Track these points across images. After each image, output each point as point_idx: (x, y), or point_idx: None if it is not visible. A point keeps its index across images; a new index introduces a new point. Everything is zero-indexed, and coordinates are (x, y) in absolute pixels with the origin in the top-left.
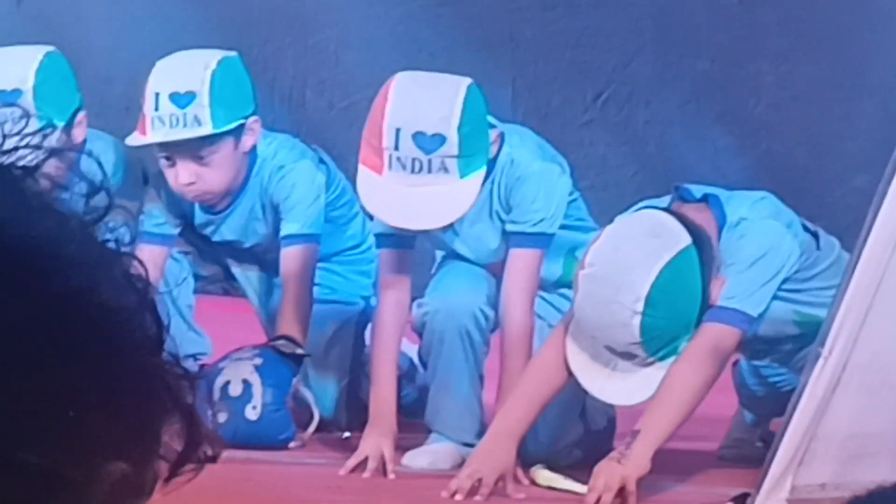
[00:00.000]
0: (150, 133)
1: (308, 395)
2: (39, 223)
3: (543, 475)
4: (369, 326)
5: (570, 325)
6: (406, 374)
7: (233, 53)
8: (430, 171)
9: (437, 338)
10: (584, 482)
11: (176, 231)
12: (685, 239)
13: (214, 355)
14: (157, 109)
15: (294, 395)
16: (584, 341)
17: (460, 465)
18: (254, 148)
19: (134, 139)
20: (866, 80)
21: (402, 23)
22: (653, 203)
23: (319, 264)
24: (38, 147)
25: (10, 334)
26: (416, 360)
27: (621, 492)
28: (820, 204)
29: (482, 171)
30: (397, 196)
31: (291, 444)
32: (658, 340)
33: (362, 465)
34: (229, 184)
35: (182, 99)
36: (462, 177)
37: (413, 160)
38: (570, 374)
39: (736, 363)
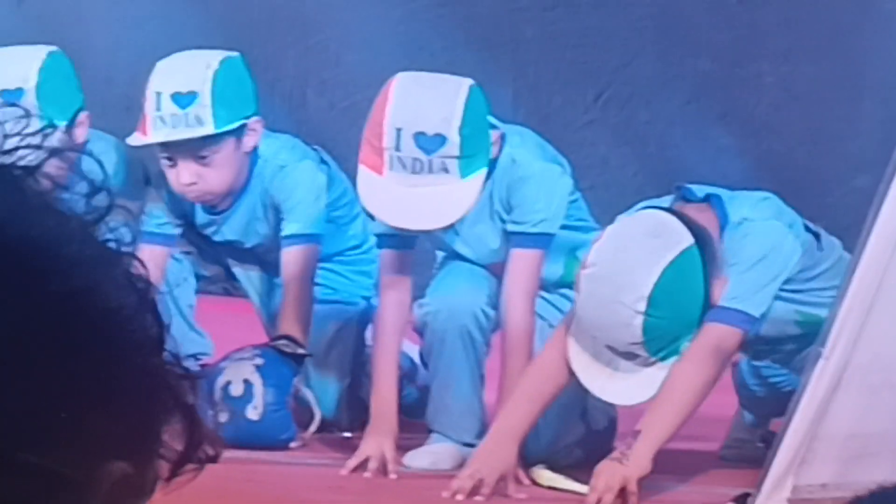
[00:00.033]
0: (152, 133)
1: (309, 395)
2: (40, 223)
3: (544, 475)
4: (370, 327)
5: (572, 325)
6: (407, 375)
7: (235, 54)
8: (430, 171)
9: (439, 338)
10: (585, 482)
11: (177, 231)
12: (687, 239)
13: (215, 355)
14: (158, 109)
15: (295, 395)
16: (586, 341)
17: (461, 465)
18: (255, 148)
19: (135, 139)
20: (867, 80)
21: (403, 23)
22: (655, 203)
23: (321, 264)
24: (38, 147)
25: (11, 334)
26: (417, 360)
27: (622, 492)
28: (821, 204)
29: (483, 172)
30: (398, 196)
31: (292, 445)
32: (660, 340)
33: (363, 465)
34: (231, 184)
35: (184, 99)
36: (463, 177)
37: (414, 160)
38: (572, 374)
39: (735, 364)
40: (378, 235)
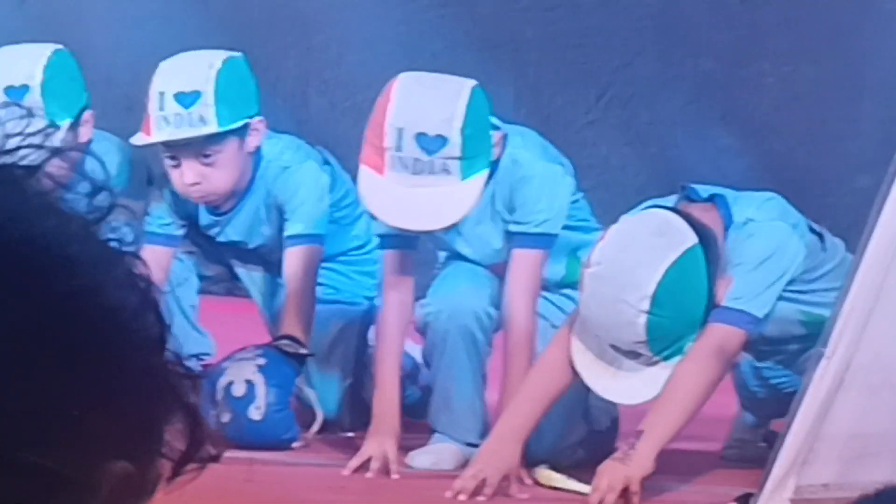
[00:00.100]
0: (155, 133)
1: (311, 395)
2: (42, 223)
3: (546, 475)
4: (373, 327)
5: (576, 324)
6: (409, 375)
7: (237, 54)
8: (431, 172)
9: (441, 338)
10: (588, 482)
11: (181, 232)
12: (691, 238)
13: (218, 355)
14: (161, 109)
15: (297, 395)
16: (590, 340)
17: (463, 465)
18: (258, 149)
19: (139, 139)
20: (868, 80)
21: (405, 23)
22: (659, 202)
23: (323, 264)
24: (40, 147)
25: (13, 333)
26: (419, 360)
27: (625, 492)
28: (821, 204)
29: (484, 173)
30: (398, 196)
31: (295, 445)
32: (663, 340)
33: (365, 465)
34: (234, 184)
35: (187, 98)
36: (464, 178)
37: (415, 161)
38: (575, 374)
39: (736, 365)
40: (380, 236)
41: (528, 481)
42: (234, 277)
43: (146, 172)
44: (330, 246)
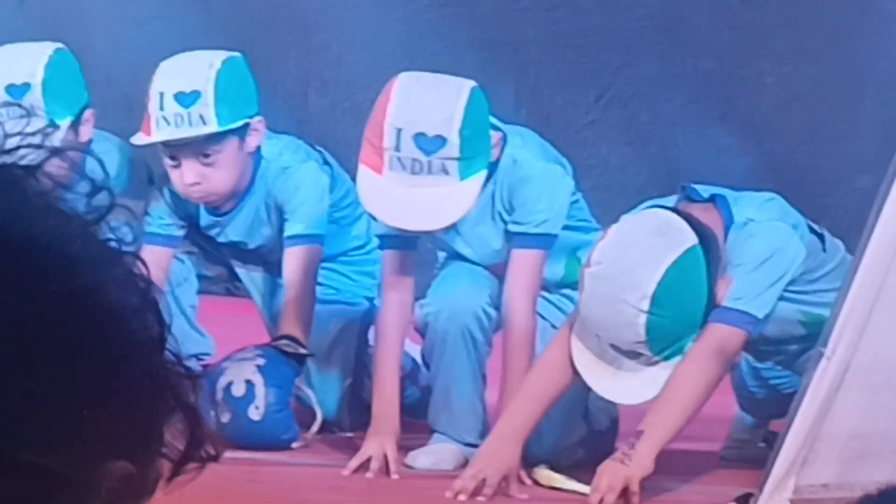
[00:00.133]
0: (155, 133)
1: (311, 395)
2: (41, 223)
3: (546, 475)
4: (373, 327)
5: (576, 324)
6: (409, 375)
7: (237, 54)
8: (430, 172)
9: (440, 338)
10: (588, 482)
11: (181, 232)
12: (692, 238)
13: (217, 356)
14: (161, 109)
15: (297, 395)
16: (590, 340)
17: (463, 465)
18: (258, 150)
19: (138, 139)
20: (868, 80)
21: (405, 23)
22: (660, 202)
23: (324, 265)
24: (39, 147)
25: (12, 333)
26: (419, 360)
27: (624, 492)
28: (822, 204)
29: (483, 174)
30: (396, 196)
31: (294, 445)
32: (663, 340)
33: (365, 465)
34: (234, 184)
35: (187, 98)
36: (462, 179)
37: (413, 161)
38: (576, 374)
39: (734, 365)
40: (380, 236)
41: (528, 481)
42: (234, 278)
43: (147, 172)
44: (330, 246)
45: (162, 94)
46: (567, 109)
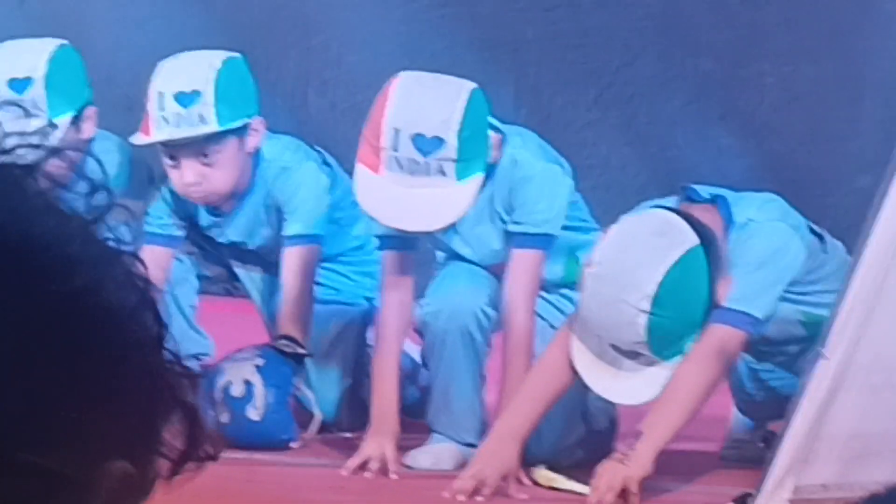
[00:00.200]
0: (155, 132)
1: (310, 395)
2: (41, 222)
3: (545, 475)
4: (372, 327)
5: (576, 324)
6: (409, 375)
7: (237, 54)
8: (427, 173)
9: (439, 338)
10: (587, 483)
11: (181, 233)
12: (692, 238)
13: (216, 356)
14: (161, 109)
15: (295, 395)
16: (590, 340)
17: (462, 465)
18: (258, 150)
19: (138, 139)
20: (868, 80)
21: (405, 23)
22: (660, 203)
23: (323, 265)
24: (38, 146)
25: (11, 333)
26: (418, 360)
27: (623, 492)
28: (822, 204)
29: (480, 176)
30: (393, 196)
31: (293, 445)
32: (664, 340)
33: (364, 465)
34: (234, 184)
35: (187, 98)
36: (459, 181)
37: (410, 161)
38: (575, 374)
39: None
40: (379, 237)
41: (527, 481)
42: (234, 278)
43: (147, 172)
44: (329, 246)
45: (162, 94)
46: (567, 109)
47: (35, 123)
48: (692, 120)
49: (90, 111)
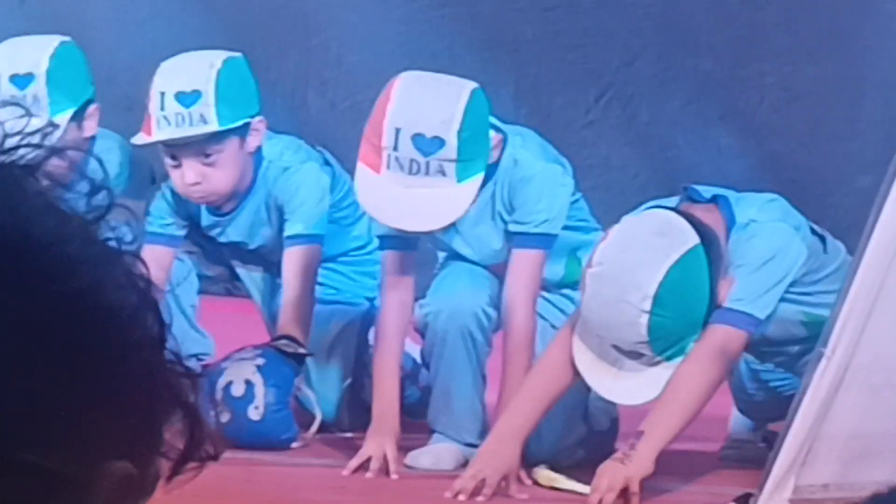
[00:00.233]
0: (156, 132)
1: (310, 395)
2: (41, 222)
3: (546, 475)
4: (373, 327)
5: (577, 324)
6: (409, 375)
7: (237, 54)
8: (427, 173)
9: (440, 338)
10: (587, 482)
11: (182, 232)
12: (693, 238)
13: (217, 356)
14: (162, 109)
15: (296, 395)
16: (591, 340)
17: (463, 465)
18: (259, 150)
19: (139, 139)
20: (868, 80)
21: (404, 23)
22: (661, 203)
23: (324, 265)
24: (39, 146)
25: (12, 333)
26: (419, 360)
27: (624, 492)
28: (822, 204)
29: (480, 177)
30: (393, 196)
31: (294, 445)
32: (665, 340)
33: (365, 465)
34: (235, 184)
35: (187, 98)
36: (459, 181)
37: (411, 161)
38: (576, 374)
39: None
40: (380, 237)
41: (528, 481)
42: (235, 277)
43: (149, 172)
44: (331, 246)
45: (163, 94)
46: (567, 109)
47: (36, 123)
48: (692, 120)
49: (93, 109)
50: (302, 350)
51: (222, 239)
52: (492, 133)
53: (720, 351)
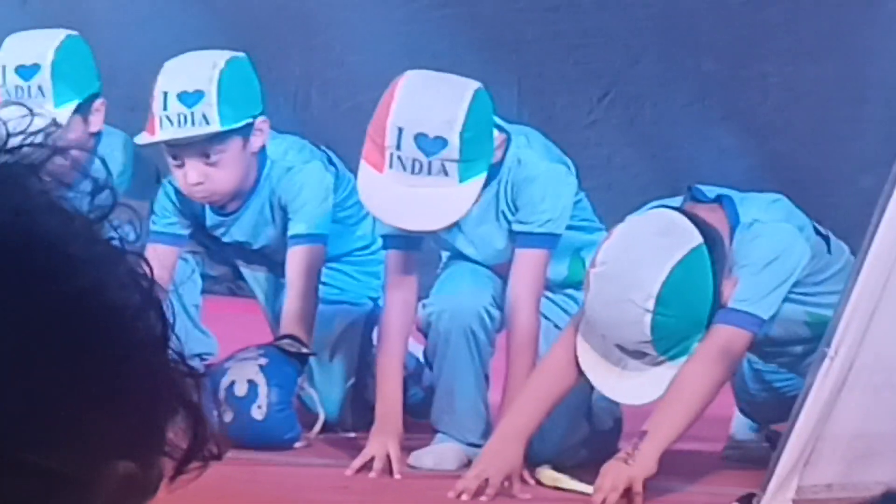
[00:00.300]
0: (158, 132)
1: (314, 395)
2: (44, 221)
3: (549, 475)
4: (376, 327)
5: (581, 324)
6: (412, 375)
7: (241, 54)
8: (429, 172)
9: (443, 338)
10: (590, 482)
11: (186, 232)
12: (696, 238)
13: (220, 355)
14: (165, 108)
15: (299, 395)
16: (595, 340)
17: (466, 465)
18: (263, 150)
19: (143, 138)
20: (871, 80)
21: (407, 23)
22: (665, 203)
23: (328, 265)
24: (42, 145)
25: (14, 333)
26: (422, 360)
27: (627, 492)
28: (825, 204)
29: (482, 177)
30: (396, 195)
31: (297, 445)
32: (669, 339)
33: (368, 465)
34: (238, 184)
35: (190, 98)
36: (461, 181)
37: (413, 161)
38: (580, 374)
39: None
40: (384, 236)
41: (531, 481)
42: (239, 277)
43: (154, 171)
44: (335, 246)
45: (165, 94)
46: (569, 110)
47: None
48: (694, 120)
49: (98, 104)
50: (305, 350)
51: (226, 239)
52: (495, 133)
53: (724, 351)
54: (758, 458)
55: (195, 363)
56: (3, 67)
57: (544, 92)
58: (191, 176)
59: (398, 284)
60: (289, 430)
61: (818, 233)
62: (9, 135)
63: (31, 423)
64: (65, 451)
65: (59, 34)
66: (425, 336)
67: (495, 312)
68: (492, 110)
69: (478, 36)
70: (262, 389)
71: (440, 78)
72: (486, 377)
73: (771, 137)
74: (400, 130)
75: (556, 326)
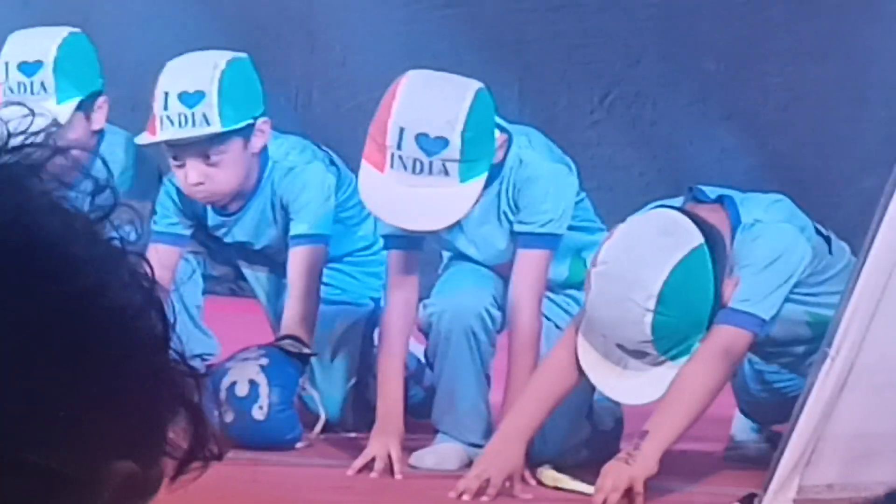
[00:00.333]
0: (159, 132)
1: (315, 395)
2: (45, 222)
3: (550, 475)
4: (378, 327)
5: (582, 324)
6: (414, 375)
7: (242, 54)
8: (430, 172)
9: (444, 339)
10: (591, 483)
11: (188, 232)
12: (698, 238)
13: (222, 356)
14: (166, 109)
15: (300, 395)
16: (596, 339)
17: (467, 465)
18: (265, 150)
19: (144, 138)
20: (872, 80)
21: (408, 24)
22: (666, 203)
23: (330, 265)
24: (43, 145)
25: (15, 333)
26: (423, 360)
27: (628, 492)
28: (826, 205)
29: (483, 177)
30: (396, 195)
31: (298, 445)
32: (670, 339)
33: (369, 465)
34: (238, 185)
35: (191, 98)
36: (462, 181)
37: (414, 161)
38: (581, 374)
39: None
40: (385, 237)
41: (532, 481)
42: (241, 278)
43: (156, 169)
44: (336, 246)
45: (166, 94)
46: (571, 110)
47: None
48: (696, 120)
49: (101, 101)
50: (306, 350)
51: (228, 239)
52: (497, 133)
53: (725, 351)
54: (758, 458)
55: (196, 363)
56: (7, 64)
57: (545, 92)
58: (191, 176)
59: (399, 284)
60: (290, 430)
61: (819, 233)
62: (10, 135)
63: (32, 423)
64: (65, 451)
65: (63, 31)
66: (426, 336)
67: (496, 313)
68: (493, 110)
69: (479, 36)
70: (264, 390)
71: (441, 78)
72: (488, 377)
73: (772, 137)
74: (401, 130)
75: (558, 327)
